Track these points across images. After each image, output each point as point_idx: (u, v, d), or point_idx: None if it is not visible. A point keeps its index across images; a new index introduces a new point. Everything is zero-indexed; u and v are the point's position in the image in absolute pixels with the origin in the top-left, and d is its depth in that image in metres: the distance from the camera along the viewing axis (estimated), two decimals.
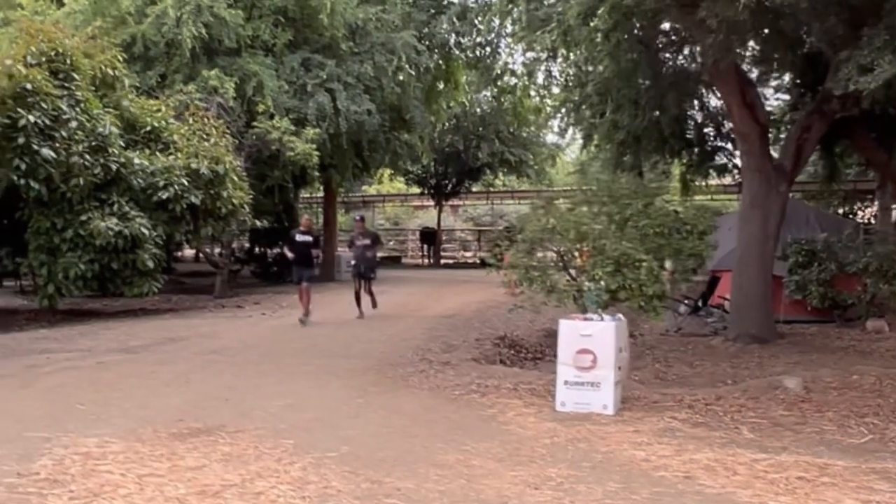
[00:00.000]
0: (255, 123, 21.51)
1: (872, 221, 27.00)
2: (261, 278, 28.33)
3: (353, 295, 17.22)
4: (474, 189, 42.50)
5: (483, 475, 6.49)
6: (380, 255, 21.51)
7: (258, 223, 23.01)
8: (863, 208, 31.51)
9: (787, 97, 20.46)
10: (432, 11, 28.07)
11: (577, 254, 11.54)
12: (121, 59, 18.31)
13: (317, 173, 23.82)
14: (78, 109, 16.02)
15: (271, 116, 21.61)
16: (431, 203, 42.70)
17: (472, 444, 7.36)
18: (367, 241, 17.28)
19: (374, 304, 17.45)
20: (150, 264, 16.68)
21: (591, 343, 8.77)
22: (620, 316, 9.41)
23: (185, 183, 17.34)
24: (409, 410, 8.76)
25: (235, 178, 18.92)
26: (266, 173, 22.24)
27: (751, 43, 14.43)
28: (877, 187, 23.89)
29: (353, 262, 17.52)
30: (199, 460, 6.75)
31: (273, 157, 21.80)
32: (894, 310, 15.14)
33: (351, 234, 18.40)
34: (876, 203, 26.83)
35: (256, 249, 29.79)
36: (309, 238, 16.65)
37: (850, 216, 29.27)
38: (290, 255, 16.95)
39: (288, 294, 21.65)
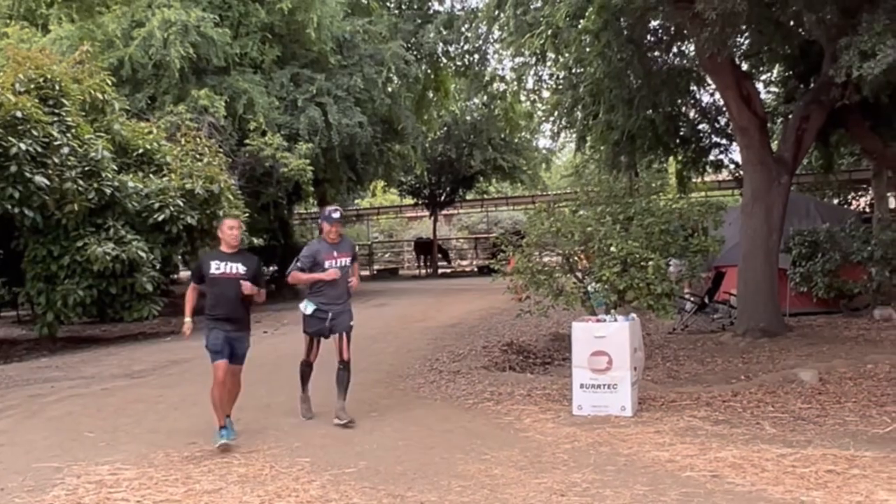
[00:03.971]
0: (247, 141, 21.41)
1: (867, 210, 26.92)
2: None
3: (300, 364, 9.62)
4: (468, 197, 42.37)
5: (506, 484, 6.37)
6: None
7: (254, 241, 22.82)
8: (857, 198, 31.47)
9: (776, 90, 20.44)
10: (419, 21, 28.06)
11: (580, 255, 11.47)
12: (109, 82, 18.17)
13: (311, 188, 23.71)
14: (69, 135, 15.87)
15: (263, 133, 21.50)
16: (426, 213, 42.55)
17: (492, 453, 7.24)
18: (347, 259, 9.07)
19: (344, 392, 8.98)
20: (149, 287, 16.50)
21: (605, 344, 8.67)
22: (634, 316, 9.31)
23: (181, 204, 17.18)
24: (423, 422, 8.64)
25: (231, 197, 18.77)
26: (260, 190, 22.11)
27: (745, 36, 14.38)
28: (872, 175, 23.77)
29: (309, 311, 9.07)
30: (214, 483, 6.63)
31: (267, 174, 21.69)
32: None
33: (311, 245, 9.30)
34: (871, 192, 26.79)
35: None
36: (240, 267, 8.36)
37: (846, 206, 29.23)
38: (188, 305, 8.82)
39: (288, 311, 21.49)
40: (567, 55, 16.02)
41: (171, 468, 7.11)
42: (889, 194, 22.91)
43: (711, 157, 19.80)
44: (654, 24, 15.22)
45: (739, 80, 14.16)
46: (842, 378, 10.00)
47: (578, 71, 17.74)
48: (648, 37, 15.78)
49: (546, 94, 21.20)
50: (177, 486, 6.59)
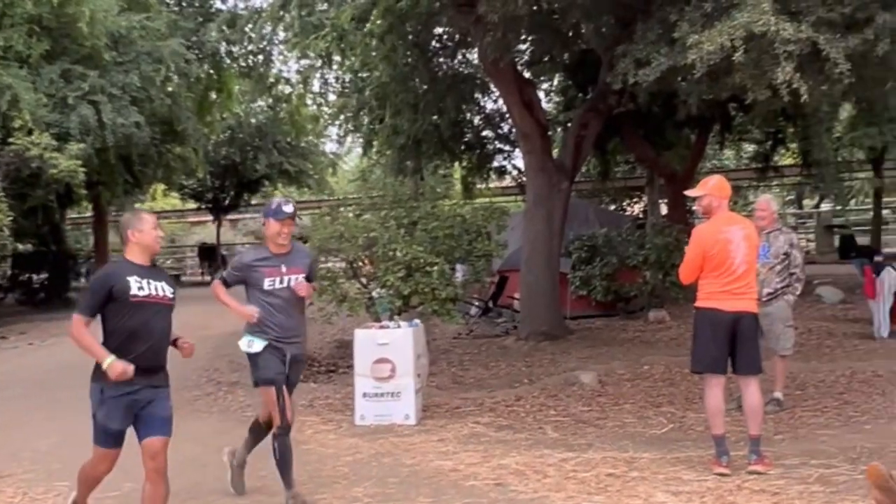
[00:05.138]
0: (11, 139, 19.97)
1: (642, 216, 28.15)
2: (27, 306, 26.44)
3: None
4: (254, 202, 41.53)
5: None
6: None
7: (20, 247, 21.39)
8: (632, 204, 32.88)
9: (557, 99, 21.08)
10: (200, 19, 27.17)
11: (365, 260, 11.32)
12: None
13: (84, 191, 22.44)
14: None
15: (30, 132, 20.10)
16: (210, 218, 41.40)
17: (271, 469, 6.88)
18: (300, 276, 6.12)
19: (290, 473, 6.20)
20: None
21: (388, 352, 8.49)
22: (418, 321, 9.19)
23: None
24: (198, 437, 8.15)
25: None
26: (27, 193, 20.69)
27: (527, 44, 14.62)
28: (646, 183, 24.92)
29: (256, 348, 6.06)
30: None
31: (34, 176, 20.31)
32: (673, 299, 15.65)
33: (248, 253, 6.89)
34: (645, 198, 28.04)
35: (21, 275, 27.82)
36: (165, 288, 5.10)
37: (621, 212, 30.46)
38: (92, 346, 4.92)
39: (58, 321, 20.24)
40: (353, 58, 15.88)
41: None
42: (661, 201, 23.97)
43: (495, 164, 20.23)
44: (439, 29, 15.27)
45: (521, 87, 14.35)
46: (620, 380, 10.25)
47: (364, 74, 17.68)
48: (434, 42, 15.85)
49: (332, 97, 21.01)
50: None
